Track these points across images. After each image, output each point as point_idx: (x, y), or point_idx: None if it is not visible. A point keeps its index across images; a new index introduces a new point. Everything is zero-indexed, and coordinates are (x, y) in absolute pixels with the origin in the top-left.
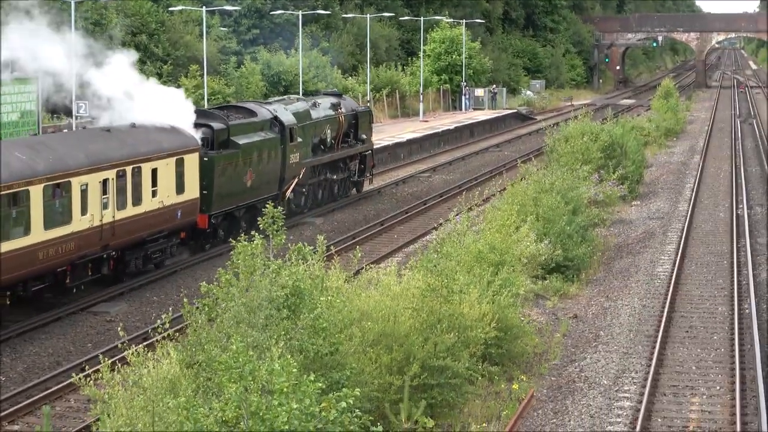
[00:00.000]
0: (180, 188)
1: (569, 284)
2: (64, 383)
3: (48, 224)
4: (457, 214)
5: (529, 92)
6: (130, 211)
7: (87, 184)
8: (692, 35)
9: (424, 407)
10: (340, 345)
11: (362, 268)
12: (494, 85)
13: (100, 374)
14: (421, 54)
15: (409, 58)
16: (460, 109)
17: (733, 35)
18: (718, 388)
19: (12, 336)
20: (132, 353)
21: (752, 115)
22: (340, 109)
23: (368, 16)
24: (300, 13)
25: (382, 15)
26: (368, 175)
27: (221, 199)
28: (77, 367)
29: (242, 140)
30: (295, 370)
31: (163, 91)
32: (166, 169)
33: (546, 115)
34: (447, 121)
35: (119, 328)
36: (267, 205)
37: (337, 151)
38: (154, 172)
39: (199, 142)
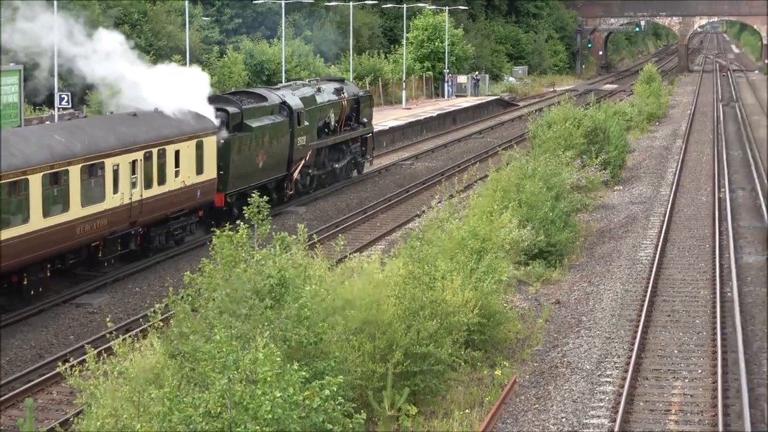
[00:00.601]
0: (200, 169)
1: (552, 270)
2: (47, 375)
3: (84, 202)
4: (439, 202)
5: (511, 78)
6: (156, 190)
7: (118, 165)
8: (675, 20)
9: (407, 394)
10: (324, 334)
11: (345, 257)
12: (477, 72)
13: (85, 365)
14: (404, 41)
15: (392, 46)
16: (443, 96)
17: (715, 19)
18: (700, 371)
19: None
20: (118, 343)
21: (734, 99)
22: (343, 93)
23: (351, 3)
24: (283, 1)
25: (364, 3)
26: (369, 157)
27: (236, 179)
28: (60, 359)
29: (255, 123)
30: (278, 359)
31: (185, 73)
32: (188, 150)
33: (529, 101)
34: (430, 109)
35: (108, 320)
36: (252, 195)
37: (340, 133)
38: (177, 153)
39: (217, 125)
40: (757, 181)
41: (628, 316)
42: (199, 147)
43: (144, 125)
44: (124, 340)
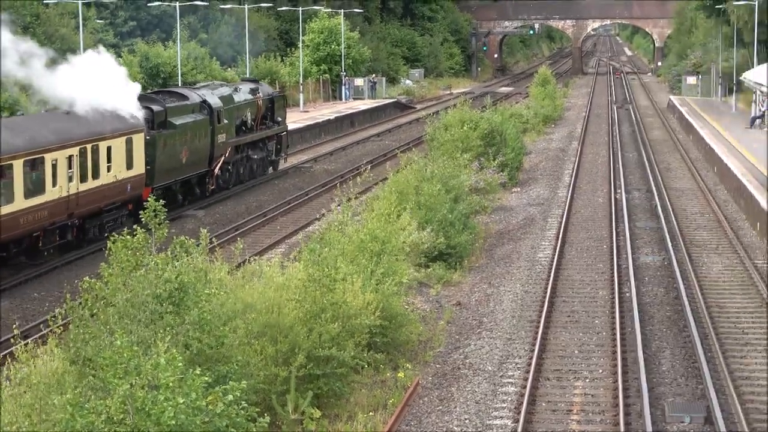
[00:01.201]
0: (129, 164)
1: (452, 272)
2: None
3: (27, 194)
4: (338, 204)
5: (408, 81)
6: (91, 184)
7: (57, 160)
8: (568, 22)
9: (311, 397)
10: (225, 338)
11: (245, 260)
12: (374, 75)
13: None
14: (300, 44)
15: (289, 49)
16: (341, 99)
17: (608, 22)
18: (600, 371)
19: None
20: (20, 349)
21: (628, 101)
22: (258, 93)
23: (246, 6)
24: (177, 3)
25: (260, 5)
26: (283, 154)
27: (162, 174)
28: None
29: (178, 121)
30: (180, 364)
31: (113, 71)
32: (119, 147)
33: (426, 104)
34: (327, 111)
35: (14, 326)
36: (149, 198)
37: (256, 131)
38: (109, 149)
39: (143, 123)
40: (652, 182)
41: (528, 317)
42: (129, 143)
43: (77, 122)
44: (25, 345)
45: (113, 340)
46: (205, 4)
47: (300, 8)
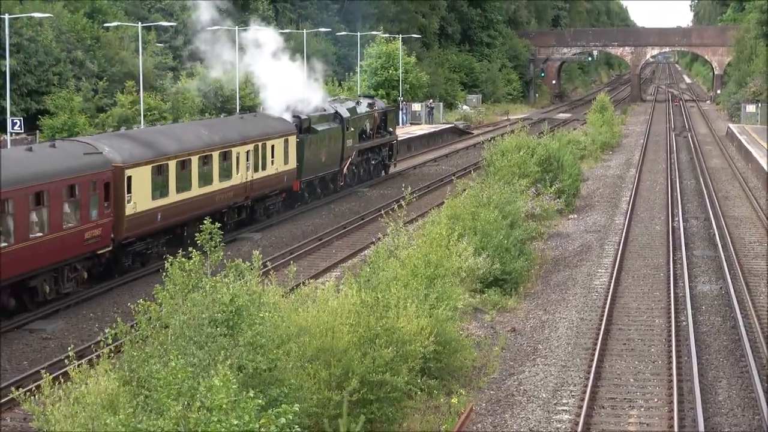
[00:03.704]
0: (286, 160)
1: (507, 298)
2: (1, 401)
3: (221, 178)
4: (393, 230)
5: (465, 107)
6: (261, 173)
7: (239, 153)
8: (627, 49)
9: (363, 422)
10: (279, 360)
11: (300, 284)
12: (431, 100)
13: (40, 391)
14: (358, 69)
15: (347, 74)
16: (398, 124)
17: (667, 49)
18: (656, 400)
19: None
20: (74, 369)
21: (687, 129)
22: (375, 107)
23: (305, 31)
24: (237, 29)
25: (318, 30)
26: (394, 160)
27: (308, 170)
28: (14, 384)
29: (319, 128)
30: (234, 386)
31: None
32: (279, 146)
33: (483, 130)
34: None
35: (69, 348)
36: (204, 222)
37: (374, 139)
38: (273, 147)
39: (295, 128)
40: (710, 210)
41: (583, 345)
42: (286, 143)
43: (252, 125)
44: (79, 365)
45: (168, 360)
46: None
47: (358, 33)
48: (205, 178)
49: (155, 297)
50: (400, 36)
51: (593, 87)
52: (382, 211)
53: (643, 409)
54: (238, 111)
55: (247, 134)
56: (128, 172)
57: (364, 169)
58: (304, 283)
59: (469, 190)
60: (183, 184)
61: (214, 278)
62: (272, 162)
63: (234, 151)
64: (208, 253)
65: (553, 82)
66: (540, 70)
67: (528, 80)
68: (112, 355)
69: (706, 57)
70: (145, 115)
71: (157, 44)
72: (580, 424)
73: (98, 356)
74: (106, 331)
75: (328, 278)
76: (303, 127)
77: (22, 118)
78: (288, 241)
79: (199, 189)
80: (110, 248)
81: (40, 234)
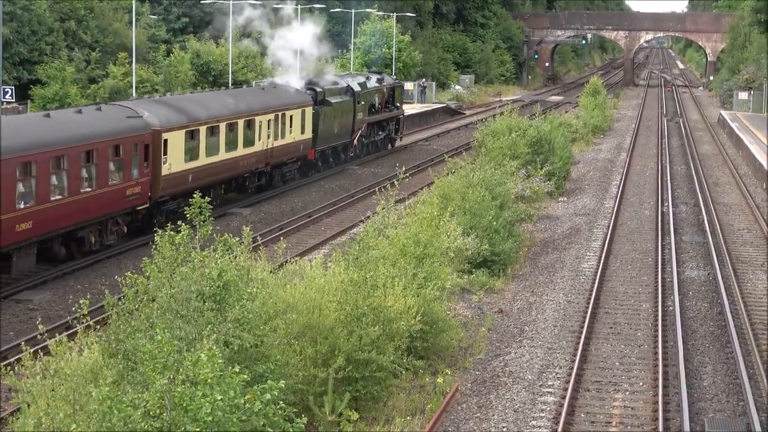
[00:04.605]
0: (303, 130)
1: (495, 279)
2: None
3: (245, 145)
4: (383, 208)
5: (458, 87)
6: (280, 141)
7: (262, 122)
8: (621, 33)
9: (349, 400)
10: (265, 337)
11: (287, 260)
12: (424, 79)
13: (22, 363)
14: (351, 47)
15: (340, 51)
16: None
17: (661, 34)
18: (641, 384)
19: None
20: (53, 343)
21: (678, 114)
22: (383, 82)
23: (299, 7)
24: (231, 2)
25: (312, 6)
26: (400, 134)
27: (322, 140)
28: None
29: (333, 100)
30: (220, 361)
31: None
32: (297, 116)
33: (475, 110)
34: None
35: (38, 322)
36: (194, 195)
37: (382, 113)
38: (291, 117)
39: (311, 99)
40: (700, 196)
41: (570, 327)
42: (303, 114)
43: (271, 96)
44: (60, 338)
45: (154, 334)
46: (258, 2)
47: (352, 10)
48: (231, 144)
49: (143, 270)
50: (395, 14)
51: (586, 70)
52: (376, 189)
53: (628, 393)
54: (230, 85)
55: (268, 104)
56: (165, 136)
57: (372, 142)
58: (289, 261)
59: (460, 170)
60: (212, 149)
61: (203, 252)
62: (290, 131)
63: (257, 119)
64: (198, 227)
65: (546, 64)
66: (533, 52)
67: (521, 62)
68: (98, 327)
69: (699, 43)
70: (137, 87)
71: (151, 16)
72: (565, 406)
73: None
74: (81, 302)
75: (316, 255)
76: (318, 99)
77: (13, 87)
78: (277, 217)
79: (226, 154)
80: (147, 205)
81: (89, 189)
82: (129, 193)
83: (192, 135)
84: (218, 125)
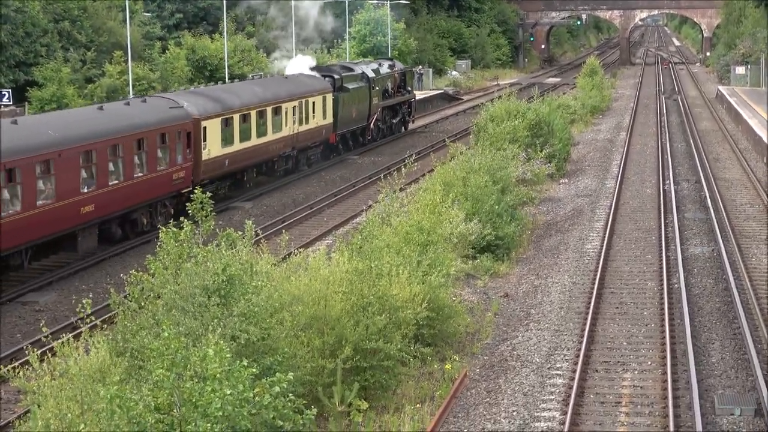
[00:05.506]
0: (324, 115)
1: (499, 263)
2: None
3: (273, 130)
4: (386, 196)
5: (455, 72)
6: (304, 126)
7: (287, 108)
8: (616, 13)
9: (358, 389)
10: (271, 329)
11: (291, 253)
12: (420, 66)
13: (30, 365)
14: (346, 36)
15: (335, 41)
16: None
17: (656, 12)
18: (649, 363)
19: None
20: (59, 344)
21: (676, 91)
22: (395, 68)
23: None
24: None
25: None
26: (412, 117)
27: (342, 124)
28: (6, 358)
29: (350, 86)
30: (228, 356)
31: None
32: (319, 102)
33: (473, 95)
34: None
35: (42, 324)
36: (195, 191)
37: (395, 97)
38: (314, 104)
39: (330, 86)
40: (701, 172)
41: (576, 309)
42: (324, 100)
43: (297, 84)
44: (67, 339)
45: (160, 331)
46: None
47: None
48: (262, 130)
49: (147, 268)
50: (389, 2)
51: (582, 51)
52: (380, 176)
53: (636, 372)
54: (227, 79)
55: (293, 92)
56: (204, 123)
57: (386, 126)
58: (294, 252)
59: (460, 156)
60: (245, 135)
61: (206, 248)
62: (313, 116)
63: (284, 106)
64: (200, 222)
65: (542, 46)
66: (529, 35)
67: (517, 45)
68: (105, 327)
69: (695, 19)
70: (133, 85)
71: (145, 13)
72: (574, 387)
73: (92, 328)
74: (84, 302)
75: (319, 246)
76: (336, 85)
77: (10, 90)
78: (279, 210)
79: (257, 139)
80: (190, 188)
81: (141, 174)
82: (175, 177)
83: (227, 122)
84: (249, 113)
